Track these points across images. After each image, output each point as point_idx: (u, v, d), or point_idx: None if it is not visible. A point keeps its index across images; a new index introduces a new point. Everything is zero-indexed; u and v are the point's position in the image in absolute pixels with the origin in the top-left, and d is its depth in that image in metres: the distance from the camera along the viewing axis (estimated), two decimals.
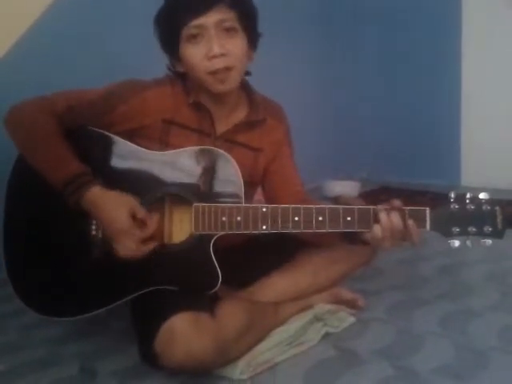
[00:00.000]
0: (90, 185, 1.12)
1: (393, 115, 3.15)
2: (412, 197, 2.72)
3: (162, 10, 1.19)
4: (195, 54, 1.15)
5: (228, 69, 1.16)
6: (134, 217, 1.12)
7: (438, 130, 2.99)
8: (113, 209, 1.11)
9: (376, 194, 2.88)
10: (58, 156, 1.15)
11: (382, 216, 1.09)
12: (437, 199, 2.63)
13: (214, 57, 1.13)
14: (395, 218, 1.09)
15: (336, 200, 2.74)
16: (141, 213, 1.12)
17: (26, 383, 1.18)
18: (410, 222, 1.09)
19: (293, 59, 2.75)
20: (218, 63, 1.14)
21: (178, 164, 1.18)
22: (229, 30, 1.15)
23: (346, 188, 2.87)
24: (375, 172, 3.19)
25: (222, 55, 1.14)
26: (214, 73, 1.15)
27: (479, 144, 2.87)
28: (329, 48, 3.02)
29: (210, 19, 1.13)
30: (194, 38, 1.14)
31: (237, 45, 1.17)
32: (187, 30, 1.14)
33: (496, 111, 2.80)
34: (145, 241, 1.12)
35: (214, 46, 1.13)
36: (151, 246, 1.13)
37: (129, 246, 1.10)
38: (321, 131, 2.94)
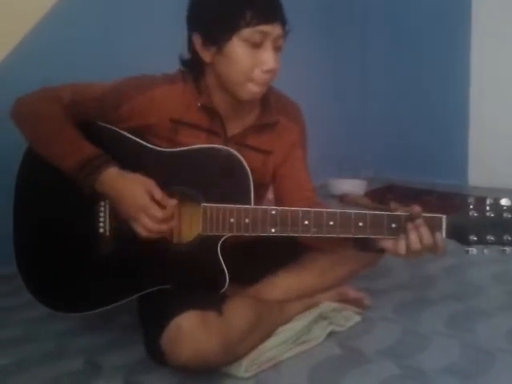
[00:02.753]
0: (107, 165, 1.11)
1: (400, 113, 3.13)
2: (419, 196, 2.71)
3: None
4: (249, 58, 1.11)
5: (268, 84, 1.16)
6: (151, 197, 1.10)
7: (446, 128, 2.97)
8: (131, 188, 1.10)
9: (382, 193, 2.86)
10: (71, 140, 1.14)
11: (412, 233, 1.04)
12: (444, 198, 2.61)
13: (269, 71, 1.13)
14: (426, 234, 1.04)
15: (342, 198, 2.73)
16: (158, 194, 1.10)
17: (31, 377, 1.19)
18: (438, 235, 1.05)
19: (300, 58, 2.72)
20: (267, 77, 1.14)
21: (187, 162, 1.16)
22: (279, 46, 1.15)
23: (352, 186, 2.85)
24: (382, 170, 3.18)
25: (274, 71, 1.14)
26: (257, 83, 1.14)
27: (487, 143, 2.85)
28: (336, 46, 3.01)
29: (275, 30, 1.11)
30: (253, 41, 1.10)
31: (279, 61, 1.16)
32: (251, 33, 1.10)
33: (504, 110, 2.78)
34: (164, 221, 1.10)
35: (271, 60, 1.11)
36: (170, 225, 1.11)
37: (148, 224, 1.09)
38: (327, 129, 2.92)
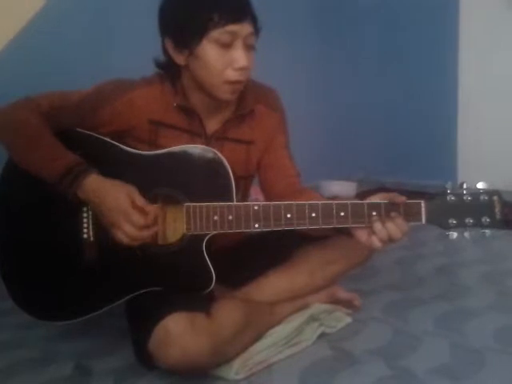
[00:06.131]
0: (87, 173, 1.11)
1: (391, 115, 3.15)
2: (409, 197, 2.71)
3: (188, 1, 1.14)
4: (220, 59, 1.13)
5: (243, 82, 1.17)
6: (133, 204, 1.09)
7: (436, 130, 3.00)
8: (113, 193, 1.09)
9: (373, 195, 2.87)
10: (50, 148, 1.14)
11: (378, 227, 1.08)
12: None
13: (241, 69, 1.13)
14: (392, 230, 1.07)
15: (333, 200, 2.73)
16: (140, 200, 1.10)
17: (20, 382, 1.18)
18: (399, 221, 1.08)
19: (291, 59, 2.75)
20: (240, 75, 1.14)
21: (168, 163, 1.17)
22: (250, 44, 1.15)
23: (343, 188, 2.87)
24: (372, 172, 3.19)
25: (246, 68, 1.14)
26: (231, 83, 1.15)
27: (476, 144, 2.87)
28: (328, 48, 3.03)
29: (244, 29, 1.12)
30: (223, 42, 1.11)
31: (252, 59, 1.17)
32: (219, 33, 1.11)
33: (493, 112, 2.80)
34: (145, 227, 1.10)
35: (242, 59, 1.12)
36: (151, 231, 1.11)
37: (129, 231, 1.08)
38: (318, 131, 2.94)
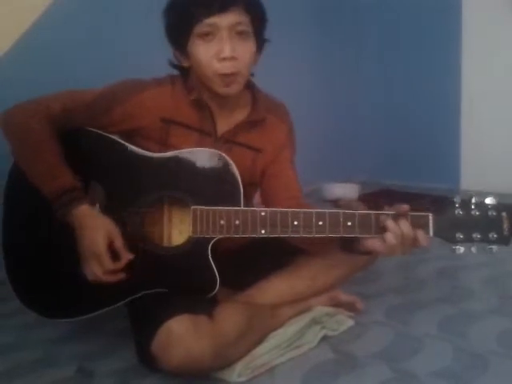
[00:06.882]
0: (78, 202, 1.11)
1: (393, 117, 3.15)
2: (412, 200, 2.72)
3: (175, 1, 1.17)
4: (205, 52, 1.15)
5: (235, 73, 1.16)
6: (110, 244, 1.10)
7: (438, 132, 2.99)
8: (93, 231, 1.10)
9: (376, 197, 2.87)
10: (50, 166, 1.14)
11: (390, 224, 1.06)
12: (437, 202, 2.63)
13: (225, 59, 1.13)
14: (404, 226, 1.06)
15: (336, 203, 2.73)
16: (118, 243, 1.11)
17: None
18: (420, 232, 1.06)
19: (292, 59, 2.74)
20: (228, 67, 1.14)
21: (177, 166, 1.17)
22: (241, 34, 1.15)
23: (346, 190, 2.86)
24: (375, 175, 3.19)
25: (233, 58, 1.14)
26: (222, 75, 1.15)
27: (479, 147, 2.87)
28: (329, 48, 3.02)
29: (225, 20, 1.12)
30: (205, 35, 1.13)
31: (247, 49, 1.17)
32: (200, 27, 1.13)
33: (496, 114, 2.80)
34: (113, 272, 1.11)
35: (225, 48, 1.13)
36: (117, 278, 1.12)
37: (95, 272, 1.10)
38: (321, 133, 2.94)
